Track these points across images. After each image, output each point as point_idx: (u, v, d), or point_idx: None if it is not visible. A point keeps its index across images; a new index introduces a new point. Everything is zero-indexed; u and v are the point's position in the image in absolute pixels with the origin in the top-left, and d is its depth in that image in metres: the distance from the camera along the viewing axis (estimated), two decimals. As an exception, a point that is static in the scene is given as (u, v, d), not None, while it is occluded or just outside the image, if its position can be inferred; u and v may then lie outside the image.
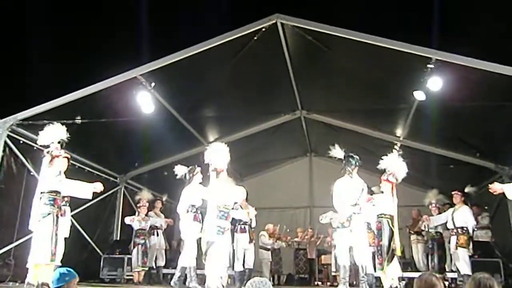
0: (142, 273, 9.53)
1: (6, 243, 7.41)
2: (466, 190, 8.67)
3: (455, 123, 8.28)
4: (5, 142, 7.48)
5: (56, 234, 5.71)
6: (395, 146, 10.15)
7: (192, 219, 7.13)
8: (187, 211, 7.19)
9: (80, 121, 7.72)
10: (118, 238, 10.66)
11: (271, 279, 11.20)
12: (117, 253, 9.77)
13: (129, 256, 9.76)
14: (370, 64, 7.70)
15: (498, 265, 8.50)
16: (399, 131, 9.91)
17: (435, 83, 6.85)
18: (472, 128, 8.33)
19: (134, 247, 9.51)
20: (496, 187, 5.64)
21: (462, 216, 8.42)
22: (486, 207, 8.88)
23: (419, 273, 8.57)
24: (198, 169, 7.43)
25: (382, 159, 7.08)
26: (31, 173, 7.93)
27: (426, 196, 9.53)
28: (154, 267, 10.00)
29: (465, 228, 8.33)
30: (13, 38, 9.37)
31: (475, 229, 9.68)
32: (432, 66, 6.62)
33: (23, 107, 7.51)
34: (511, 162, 8.82)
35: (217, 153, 6.81)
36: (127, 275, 9.62)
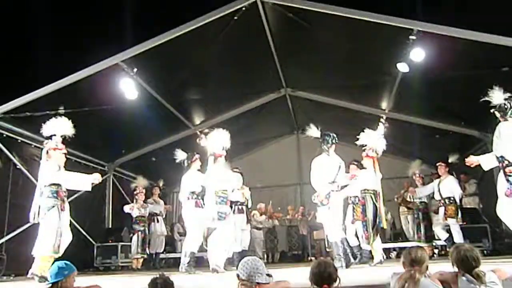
0: (141, 260, 9.59)
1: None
2: (450, 160, 8.78)
3: (439, 93, 8.33)
4: (-12, 137, 7.39)
5: (59, 226, 5.75)
6: (381, 119, 10.22)
7: (193, 205, 7.16)
8: (188, 198, 7.23)
9: (63, 111, 7.62)
10: (110, 226, 10.66)
11: (266, 257, 11.34)
12: (110, 241, 9.79)
13: (122, 243, 9.81)
14: (352, 38, 7.68)
15: (485, 231, 8.69)
16: (384, 104, 9.95)
17: (418, 54, 6.87)
18: (456, 97, 8.39)
19: (133, 234, 9.55)
20: (472, 160, 5.70)
21: (449, 186, 8.55)
22: (473, 174, 9.00)
23: (409, 243, 8.80)
24: (197, 155, 7.46)
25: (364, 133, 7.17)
26: (17, 167, 7.86)
27: (409, 167, 9.63)
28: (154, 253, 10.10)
29: (452, 198, 8.46)
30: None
31: (463, 196, 9.86)
32: (414, 37, 6.62)
33: (5, 100, 7.39)
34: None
35: (216, 138, 6.84)
36: (122, 262, 9.67)
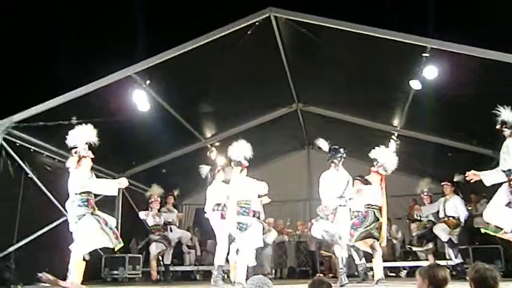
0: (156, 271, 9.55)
1: (6, 247, 7.38)
2: (455, 179, 8.72)
3: (451, 111, 8.27)
4: (1, 145, 7.44)
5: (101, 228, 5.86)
6: (393, 136, 10.16)
7: (219, 217, 7.16)
8: (213, 210, 7.27)
9: (76, 121, 7.68)
10: (118, 238, 10.65)
11: (274, 272, 11.24)
12: (118, 253, 9.76)
13: (130, 255, 9.80)
14: (365, 54, 7.67)
15: (498, 252, 8.55)
16: (396, 121, 9.90)
17: (431, 72, 6.85)
18: (469, 116, 8.31)
19: (150, 244, 9.53)
20: (473, 175, 5.65)
21: (454, 206, 8.48)
22: (484, 194, 8.88)
23: (419, 262, 8.68)
24: (220, 167, 7.50)
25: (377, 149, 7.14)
26: (29, 175, 7.91)
27: (418, 185, 9.56)
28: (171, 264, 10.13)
29: (456, 217, 8.40)
30: (6, 39, 9.30)
31: (475, 216, 9.73)
32: (427, 55, 6.62)
33: (19, 109, 7.47)
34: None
35: (242, 149, 6.83)
36: (129, 274, 9.64)
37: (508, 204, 5.24)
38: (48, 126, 7.50)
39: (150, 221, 9.62)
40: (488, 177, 5.53)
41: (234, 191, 6.67)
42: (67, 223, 5.96)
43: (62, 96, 7.31)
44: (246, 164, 6.80)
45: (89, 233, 5.78)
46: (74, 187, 5.91)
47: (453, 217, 8.41)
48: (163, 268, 9.84)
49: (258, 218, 8.60)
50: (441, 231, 8.46)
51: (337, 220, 6.48)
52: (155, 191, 10.03)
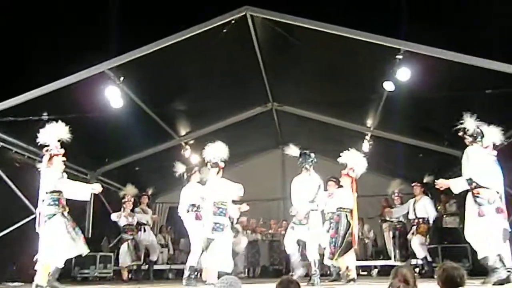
0: (126, 270, 9.45)
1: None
2: (425, 180, 8.89)
3: (423, 112, 8.42)
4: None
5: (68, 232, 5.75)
6: (366, 137, 10.29)
7: (194, 218, 7.14)
8: (187, 211, 7.25)
9: (47, 117, 7.53)
10: (89, 236, 10.48)
11: (247, 271, 11.25)
12: (89, 251, 9.61)
13: (101, 253, 9.66)
14: (339, 55, 7.74)
15: (465, 251, 8.73)
16: (369, 122, 10.03)
17: (404, 74, 6.93)
18: (440, 118, 8.48)
19: (122, 243, 9.44)
20: (442, 183, 5.77)
21: (423, 207, 8.65)
22: (454, 194, 9.08)
23: (390, 261, 8.81)
24: (196, 168, 7.48)
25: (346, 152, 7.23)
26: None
27: (388, 185, 9.71)
28: (143, 263, 10.02)
29: (426, 219, 8.56)
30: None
31: (444, 216, 9.95)
32: (400, 57, 6.70)
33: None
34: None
35: (219, 150, 6.83)
36: (100, 273, 9.50)
37: (479, 215, 5.30)
38: (17, 122, 7.34)
39: (123, 222, 9.53)
40: (455, 185, 5.64)
41: (210, 192, 6.66)
42: (35, 223, 5.85)
43: (33, 91, 7.14)
44: (222, 165, 6.81)
45: (57, 241, 5.67)
46: (45, 186, 5.82)
47: (423, 219, 8.57)
48: (134, 267, 9.73)
49: (232, 223, 8.66)
50: (418, 246, 8.59)
51: (310, 224, 6.54)
52: (130, 191, 9.94)
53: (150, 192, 10.73)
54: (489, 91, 6.86)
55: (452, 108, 7.72)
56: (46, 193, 5.78)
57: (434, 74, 6.96)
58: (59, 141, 5.98)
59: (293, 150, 6.92)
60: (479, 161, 5.42)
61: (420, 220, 8.58)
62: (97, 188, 6.29)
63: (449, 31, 6.71)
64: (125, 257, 9.37)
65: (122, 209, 9.63)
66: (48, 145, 5.95)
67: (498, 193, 5.35)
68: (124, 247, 9.41)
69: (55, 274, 5.79)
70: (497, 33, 6.39)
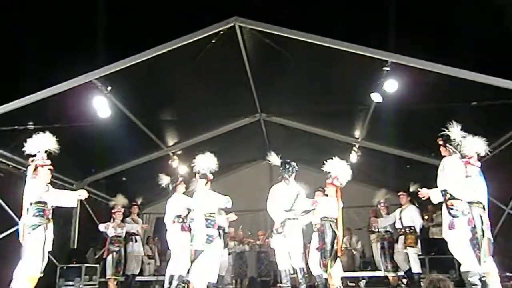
0: (115, 282, 9.32)
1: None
2: (411, 189, 8.94)
3: (411, 124, 8.49)
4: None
5: (44, 246, 5.68)
6: (354, 148, 10.34)
7: (179, 229, 7.11)
8: (173, 222, 7.25)
9: (33, 126, 7.45)
10: (75, 247, 10.35)
11: (234, 282, 11.17)
12: (74, 263, 9.48)
13: (87, 265, 9.53)
14: (328, 67, 7.78)
15: (453, 261, 8.72)
16: (357, 133, 10.08)
17: (391, 85, 7.00)
18: (427, 129, 8.55)
19: (108, 255, 9.30)
20: (423, 192, 5.76)
21: (409, 215, 8.67)
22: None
23: (378, 272, 8.79)
24: (181, 179, 7.49)
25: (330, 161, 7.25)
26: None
27: (375, 195, 9.73)
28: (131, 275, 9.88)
29: (412, 227, 8.57)
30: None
31: (431, 226, 9.98)
32: (388, 68, 6.76)
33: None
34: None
35: (208, 161, 6.89)
36: (85, 285, 9.37)
37: (450, 225, 5.28)
38: (2, 131, 7.24)
39: (111, 232, 9.39)
40: (434, 196, 5.61)
41: (200, 203, 6.67)
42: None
43: (19, 100, 7.04)
44: (211, 177, 6.83)
45: (37, 251, 5.60)
46: (30, 196, 5.72)
47: (410, 228, 8.57)
48: (122, 279, 9.60)
49: (224, 231, 8.65)
50: (402, 262, 8.61)
51: (286, 233, 6.52)
52: (120, 201, 9.82)
53: (139, 201, 10.63)
54: (475, 103, 6.95)
55: (438, 120, 7.80)
56: (31, 203, 5.68)
57: (421, 86, 7.04)
58: (46, 151, 5.89)
59: (274, 159, 6.93)
60: (454, 172, 5.37)
61: (407, 229, 8.59)
62: (83, 194, 6.23)
63: (436, 43, 6.78)
64: (112, 268, 9.24)
65: (112, 219, 9.50)
66: (34, 155, 5.86)
67: (481, 204, 5.28)
68: (109, 259, 9.28)
69: None
70: (484, 47, 6.46)
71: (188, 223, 7.22)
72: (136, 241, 9.89)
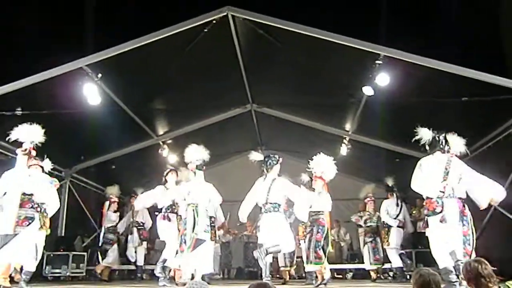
0: (108, 270, 9.33)
1: None
2: (389, 183, 9.06)
3: (401, 118, 8.49)
4: None
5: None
6: (344, 140, 10.35)
7: (167, 219, 7.32)
8: (164, 211, 7.45)
9: (21, 112, 7.37)
10: (62, 235, 10.30)
11: (221, 273, 11.19)
12: (61, 250, 9.45)
13: (74, 252, 9.52)
14: (320, 59, 7.77)
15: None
16: (348, 126, 10.09)
17: (383, 79, 7.00)
18: (418, 123, 8.57)
19: (111, 244, 9.36)
20: None
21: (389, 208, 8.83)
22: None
23: (364, 265, 8.88)
24: (173, 168, 7.52)
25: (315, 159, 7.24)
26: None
27: (363, 189, 9.79)
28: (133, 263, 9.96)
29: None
30: None
31: (418, 220, 10.06)
32: (380, 62, 6.75)
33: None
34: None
35: (202, 152, 6.94)
36: (72, 272, 9.35)
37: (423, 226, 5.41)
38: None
39: (108, 223, 9.40)
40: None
41: (200, 194, 6.71)
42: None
43: (7, 85, 6.94)
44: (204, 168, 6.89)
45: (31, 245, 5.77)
46: (24, 187, 5.88)
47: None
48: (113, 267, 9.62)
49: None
50: (393, 255, 8.73)
51: (260, 227, 6.61)
52: (113, 191, 9.82)
53: (139, 192, 10.58)
54: (465, 98, 6.97)
55: (429, 114, 7.85)
56: (25, 194, 5.82)
57: (412, 80, 7.05)
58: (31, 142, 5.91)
59: (256, 156, 6.93)
60: (426, 172, 5.43)
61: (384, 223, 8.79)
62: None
63: (428, 38, 6.79)
64: (114, 257, 9.33)
65: (109, 208, 9.53)
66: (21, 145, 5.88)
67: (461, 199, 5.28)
68: (115, 247, 9.36)
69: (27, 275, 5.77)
70: (476, 42, 6.49)
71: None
72: (131, 232, 9.97)
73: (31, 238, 5.73)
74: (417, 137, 5.73)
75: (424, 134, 5.67)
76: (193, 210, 6.62)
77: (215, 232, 8.82)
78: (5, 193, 5.74)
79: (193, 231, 6.51)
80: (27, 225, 5.69)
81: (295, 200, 6.77)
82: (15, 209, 5.64)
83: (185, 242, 6.50)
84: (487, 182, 5.27)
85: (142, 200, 7.87)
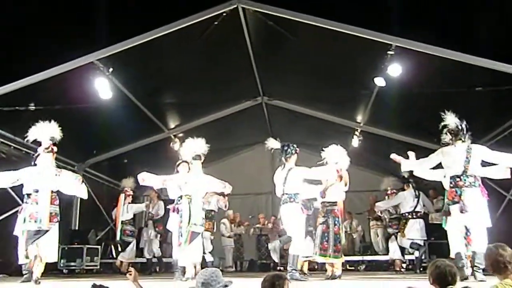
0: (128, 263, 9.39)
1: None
2: (405, 174, 8.97)
3: (413, 109, 8.45)
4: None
5: None
6: (356, 132, 10.31)
7: (171, 211, 7.13)
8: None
9: (34, 107, 7.44)
10: (76, 228, 10.41)
11: (234, 265, 11.25)
12: (76, 243, 9.55)
13: (88, 246, 9.61)
14: (331, 50, 7.72)
15: (448, 248, 8.82)
16: (359, 117, 10.04)
17: (395, 70, 6.94)
18: (430, 114, 8.49)
19: (133, 236, 9.38)
20: (395, 157, 6.09)
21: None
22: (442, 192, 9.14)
23: (378, 257, 8.84)
24: (182, 160, 7.41)
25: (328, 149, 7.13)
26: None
27: (382, 182, 9.71)
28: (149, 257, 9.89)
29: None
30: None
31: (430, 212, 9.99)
32: (392, 52, 6.70)
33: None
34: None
35: (196, 144, 6.82)
36: (87, 266, 9.44)
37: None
38: (3, 112, 7.23)
39: (125, 217, 9.37)
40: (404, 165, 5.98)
41: (201, 185, 6.64)
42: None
43: (20, 81, 7.02)
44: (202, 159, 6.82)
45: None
46: (53, 184, 6.02)
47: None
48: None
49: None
50: (406, 245, 8.68)
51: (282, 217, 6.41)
52: (128, 183, 9.75)
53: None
54: (479, 88, 6.90)
55: (442, 104, 7.76)
56: (54, 192, 5.98)
57: (425, 71, 6.98)
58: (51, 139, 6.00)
59: (274, 143, 6.82)
60: (449, 162, 5.46)
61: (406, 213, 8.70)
62: None
63: (441, 27, 6.71)
64: (132, 250, 9.35)
65: (124, 201, 9.48)
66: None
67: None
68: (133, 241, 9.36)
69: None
70: (489, 31, 6.39)
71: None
72: (147, 225, 9.96)
73: (57, 233, 5.96)
74: (444, 123, 5.59)
75: (451, 121, 5.54)
76: (188, 202, 6.45)
77: (213, 224, 8.92)
78: (37, 190, 5.81)
79: (188, 223, 6.35)
80: (56, 222, 5.91)
81: (318, 177, 6.61)
82: (48, 205, 5.78)
83: (181, 235, 6.31)
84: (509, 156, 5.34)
85: (146, 176, 7.57)
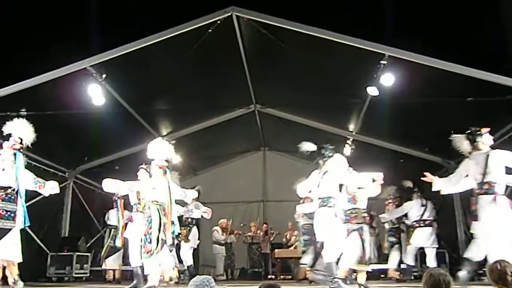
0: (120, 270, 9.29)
1: None
2: (408, 184, 9.00)
3: (406, 118, 8.49)
4: None
5: None
6: (348, 141, 10.34)
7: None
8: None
9: (25, 113, 7.37)
10: (66, 235, 10.30)
11: (225, 273, 11.20)
12: (65, 251, 9.45)
13: (78, 253, 9.50)
14: (324, 59, 7.74)
15: (443, 255, 8.90)
16: (352, 126, 10.08)
17: (388, 79, 6.98)
18: (422, 124, 8.57)
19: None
20: (429, 177, 5.96)
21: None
22: (435, 201, 9.15)
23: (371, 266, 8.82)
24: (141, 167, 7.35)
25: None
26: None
27: (384, 191, 9.70)
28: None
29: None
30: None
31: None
32: (385, 62, 6.73)
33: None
34: (457, 156, 9.14)
35: (164, 147, 6.80)
36: (76, 273, 9.34)
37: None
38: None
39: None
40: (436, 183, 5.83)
41: (168, 193, 6.38)
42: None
43: (12, 86, 6.97)
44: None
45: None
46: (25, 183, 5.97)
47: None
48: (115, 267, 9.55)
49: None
50: (410, 254, 8.65)
51: (315, 222, 6.12)
52: None
53: None
54: (470, 98, 6.95)
55: (434, 114, 7.84)
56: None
57: (417, 81, 7.02)
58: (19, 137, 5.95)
59: (309, 146, 6.61)
60: (469, 173, 5.53)
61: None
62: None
63: (433, 38, 6.77)
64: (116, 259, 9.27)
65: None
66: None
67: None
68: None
69: None
70: (481, 42, 6.46)
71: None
72: None
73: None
74: (454, 147, 5.70)
75: (459, 142, 5.65)
76: (158, 209, 6.15)
77: (187, 232, 8.83)
78: None
79: (159, 232, 6.01)
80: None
81: (357, 182, 6.37)
82: None
83: (150, 242, 5.94)
84: None
85: (111, 182, 7.45)
